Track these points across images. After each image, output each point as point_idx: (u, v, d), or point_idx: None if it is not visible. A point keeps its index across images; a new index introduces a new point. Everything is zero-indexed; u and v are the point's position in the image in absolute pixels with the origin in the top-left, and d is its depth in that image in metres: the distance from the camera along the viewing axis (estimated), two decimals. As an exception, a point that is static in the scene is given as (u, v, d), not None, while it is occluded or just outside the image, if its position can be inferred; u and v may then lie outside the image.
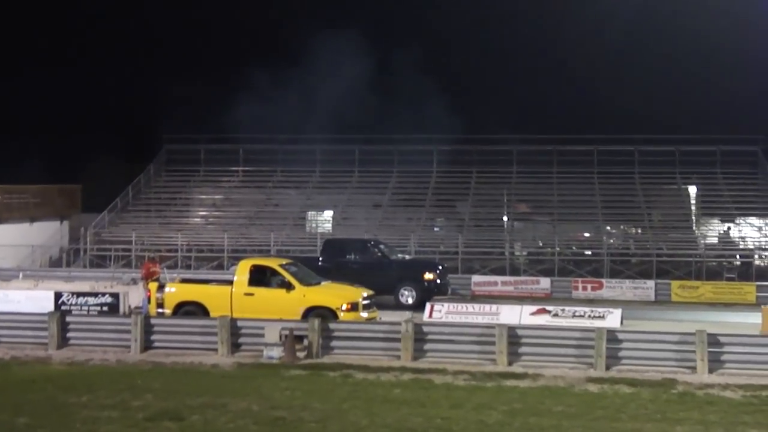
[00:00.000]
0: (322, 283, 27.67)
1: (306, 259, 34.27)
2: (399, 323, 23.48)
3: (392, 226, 48.89)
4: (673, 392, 19.73)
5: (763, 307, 29.16)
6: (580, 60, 64.87)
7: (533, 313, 28.94)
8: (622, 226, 50.70)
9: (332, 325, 23.94)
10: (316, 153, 55.21)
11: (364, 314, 26.19)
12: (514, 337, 22.85)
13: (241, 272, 26.91)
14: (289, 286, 26.22)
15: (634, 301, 37.34)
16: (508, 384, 20.40)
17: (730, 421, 17.27)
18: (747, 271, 43.03)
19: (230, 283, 26.96)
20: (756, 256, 45.39)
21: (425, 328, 23.80)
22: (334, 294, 26.57)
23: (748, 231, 48.66)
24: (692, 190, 52.11)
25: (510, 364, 22.40)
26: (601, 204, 50.06)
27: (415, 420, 16.92)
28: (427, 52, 62.11)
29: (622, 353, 22.35)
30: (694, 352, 21.79)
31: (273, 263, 27.78)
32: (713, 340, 21.93)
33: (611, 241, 48.12)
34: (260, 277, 26.80)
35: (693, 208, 51.51)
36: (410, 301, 34.00)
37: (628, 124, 56.58)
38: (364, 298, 26.59)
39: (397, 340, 23.11)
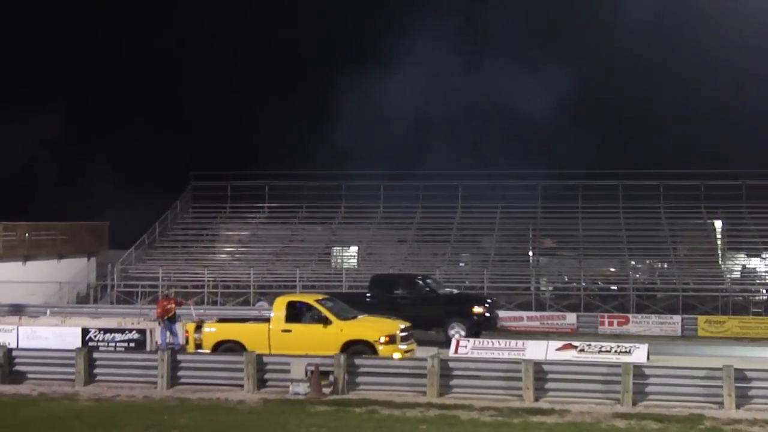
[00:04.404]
0: (359, 316, 27.69)
1: (353, 294, 34.13)
2: (425, 359, 23.48)
3: (417, 261, 48.84)
4: (700, 428, 19.63)
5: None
6: (604, 95, 64.84)
7: (559, 349, 28.80)
8: (647, 261, 50.42)
9: (358, 361, 23.96)
10: (341, 189, 55.43)
11: (402, 346, 26.17)
12: (540, 372, 22.79)
13: (278, 309, 26.99)
14: (326, 321, 26.29)
15: (660, 336, 37.16)
16: (534, 420, 20.35)
17: (759, 457, 17.18)
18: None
19: (267, 320, 27.08)
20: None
21: (451, 364, 23.79)
22: (371, 327, 26.55)
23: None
24: (718, 224, 51.80)
25: (536, 399, 22.34)
26: (627, 239, 49.87)
27: (441, 456, 16.92)
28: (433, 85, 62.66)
29: (649, 389, 22.24)
30: (721, 387, 21.65)
31: (309, 299, 27.88)
32: (740, 376, 21.79)
33: (637, 276, 47.89)
34: (297, 313, 26.89)
35: (719, 242, 51.21)
36: (460, 335, 33.69)
37: (652, 159, 56.57)
38: (402, 330, 26.56)
39: (423, 375, 23.09)
